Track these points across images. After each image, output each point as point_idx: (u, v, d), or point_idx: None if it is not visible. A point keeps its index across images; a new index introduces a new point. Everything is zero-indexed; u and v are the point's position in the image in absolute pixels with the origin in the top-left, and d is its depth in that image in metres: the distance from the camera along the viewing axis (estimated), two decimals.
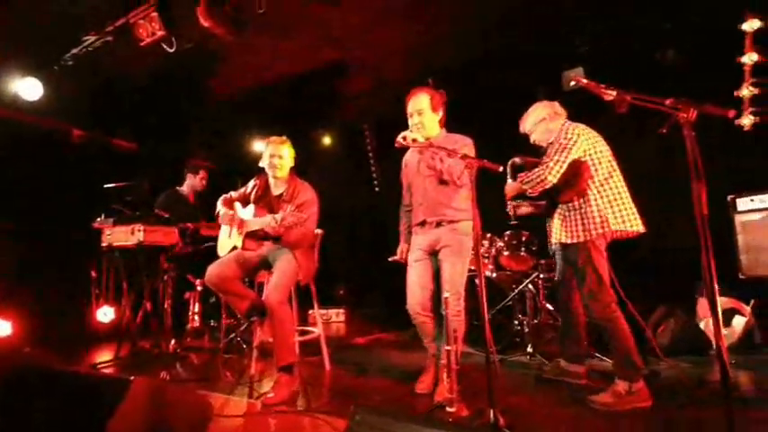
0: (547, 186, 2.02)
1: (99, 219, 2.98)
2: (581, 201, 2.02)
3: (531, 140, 2.27)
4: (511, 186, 2.22)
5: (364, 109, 4.84)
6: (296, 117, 4.73)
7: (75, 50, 3.03)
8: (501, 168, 1.66)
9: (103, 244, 2.93)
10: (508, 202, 2.27)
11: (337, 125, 5.34)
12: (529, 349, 2.74)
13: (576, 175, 2.00)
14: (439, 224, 2.14)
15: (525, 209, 2.31)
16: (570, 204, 2.05)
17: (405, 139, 2.05)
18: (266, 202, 2.58)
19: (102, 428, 1.29)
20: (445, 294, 1.87)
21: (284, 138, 2.58)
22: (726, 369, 1.15)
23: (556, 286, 2.41)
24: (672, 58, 3.12)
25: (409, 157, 2.35)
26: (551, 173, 1.98)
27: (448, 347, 1.81)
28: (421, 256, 2.20)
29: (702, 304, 2.78)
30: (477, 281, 1.78)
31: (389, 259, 2.44)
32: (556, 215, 2.11)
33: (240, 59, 3.72)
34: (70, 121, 3.11)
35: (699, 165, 1.21)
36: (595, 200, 2.00)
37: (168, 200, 3.50)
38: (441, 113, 2.22)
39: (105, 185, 3.09)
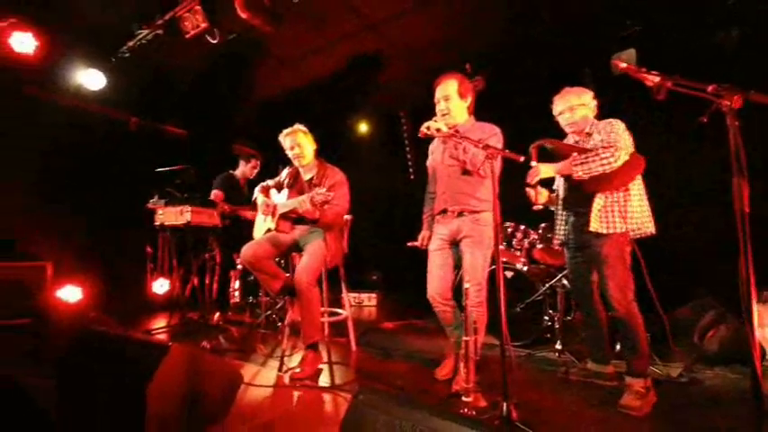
0: (610, 170, 1.90)
1: (152, 200, 3.25)
2: (625, 192, 1.96)
3: (564, 121, 2.15)
4: (546, 168, 2.02)
5: (401, 96, 4.82)
6: (334, 105, 4.80)
7: (129, 43, 3.28)
8: (522, 159, 1.60)
9: (156, 223, 3.20)
10: (531, 186, 2.07)
11: (374, 112, 5.35)
12: (558, 346, 2.65)
13: (632, 166, 1.94)
14: (460, 214, 2.12)
15: (545, 195, 2.18)
16: (611, 195, 1.97)
17: (428, 128, 2.02)
18: (298, 187, 2.68)
19: (143, 388, 1.44)
20: (466, 285, 1.86)
21: (296, 127, 2.62)
22: (758, 379, 1.06)
23: (572, 282, 2.30)
24: (736, 40, 2.77)
25: (435, 146, 2.33)
26: (620, 158, 1.88)
27: (467, 338, 1.81)
28: (441, 245, 2.19)
29: (760, 312, 2.53)
30: (500, 270, 1.75)
31: (408, 244, 2.45)
32: (594, 204, 1.99)
33: (280, 50, 3.83)
34: (127, 109, 3.40)
35: (742, 158, 1.10)
36: (637, 194, 1.98)
37: (225, 181, 3.74)
38: (469, 100, 2.16)
39: (157, 169, 3.36)
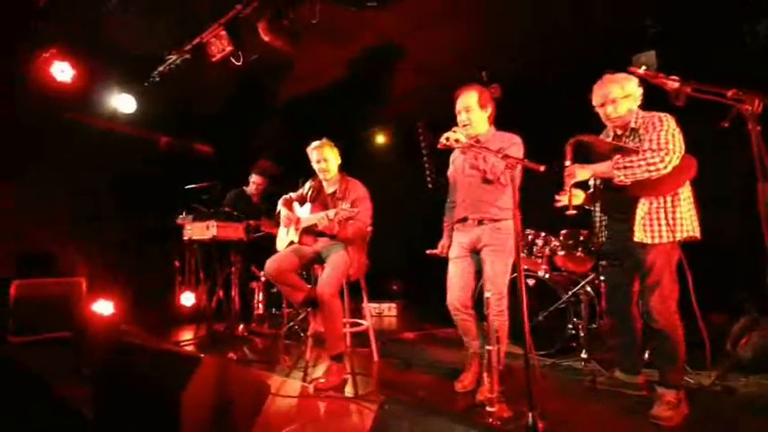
0: (657, 176, 1.72)
1: (181, 216, 3.37)
2: (674, 198, 1.79)
3: (605, 113, 1.92)
4: (583, 170, 1.84)
5: (419, 107, 4.87)
6: (353, 117, 4.89)
7: (160, 68, 3.46)
8: (543, 168, 1.60)
9: (185, 238, 3.31)
10: (565, 188, 1.84)
11: (392, 124, 5.42)
12: (583, 355, 2.60)
13: (682, 169, 1.75)
14: (480, 222, 2.13)
15: (581, 197, 2.03)
16: (657, 200, 1.79)
17: (447, 139, 2.05)
18: (321, 200, 2.73)
19: (178, 397, 1.50)
20: (487, 294, 1.86)
21: (324, 141, 2.66)
22: None
23: (608, 289, 2.21)
24: (763, 36, 2.70)
25: (456, 156, 2.36)
26: (670, 163, 1.69)
27: (489, 347, 1.80)
28: (461, 253, 2.20)
29: None
30: (521, 281, 1.74)
31: (427, 252, 2.45)
32: (637, 210, 1.81)
33: (301, 66, 3.95)
34: (158, 130, 3.57)
35: (766, 162, 1.08)
36: (686, 198, 1.82)
37: (234, 198, 3.85)
38: (489, 110, 2.19)
39: (186, 186, 3.49)
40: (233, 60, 3.08)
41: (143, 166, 4.06)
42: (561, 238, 3.04)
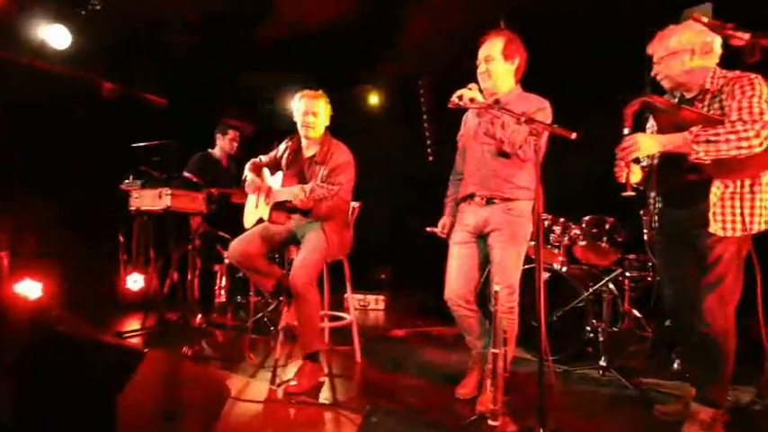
0: (748, 154, 1.60)
1: (127, 180, 3.24)
2: (753, 183, 1.70)
3: (655, 73, 1.85)
4: (650, 141, 1.72)
5: (420, 62, 4.73)
6: (341, 71, 4.73)
7: None
8: (574, 135, 1.52)
9: (131, 207, 3.18)
10: (623, 163, 1.74)
11: (388, 81, 5.28)
12: (602, 362, 2.60)
13: None
14: (490, 201, 2.08)
15: (638, 174, 1.92)
16: (734, 185, 1.70)
17: (461, 98, 1.95)
18: (298, 166, 2.64)
19: (114, 398, 1.44)
20: (495, 287, 1.82)
21: (320, 92, 2.60)
22: None
23: (668, 287, 2.04)
24: None
25: (469, 117, 2.29)
26: (767, 138, 1.57)
27: (495, 350, 1.77)
28: (465, 239, 2.15)
29: None
30: (539, 274, 1.69)
31: (427, 229, 2.42)
32: (710, 195, 1.72)
33: (282, 6, 3.77)
34: (99, 72, 3.36)
35: None
36: (767, 185, 1.72)
37: (199, 163, 3.71)
38: (517, 62, 2.10)
39: (134, 144, 3.34)
40: None
41: (80, 118, 3.86)
42: (583, 225, 3.01)
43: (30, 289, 3.19)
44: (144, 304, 3.57)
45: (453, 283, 2.15)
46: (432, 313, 4.12)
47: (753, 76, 1.66)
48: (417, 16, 3.96)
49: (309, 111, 2.53)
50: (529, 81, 2.19)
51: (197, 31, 4.01)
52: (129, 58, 3.92)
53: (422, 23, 4.05)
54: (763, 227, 1.72)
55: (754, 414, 2.07)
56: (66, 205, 3.79)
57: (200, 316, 3.44)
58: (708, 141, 1.60)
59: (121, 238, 3.91)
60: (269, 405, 2.09)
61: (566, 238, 3.05)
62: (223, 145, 3.83)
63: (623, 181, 1.73)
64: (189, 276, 3.28)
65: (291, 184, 2.50)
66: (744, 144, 1.57)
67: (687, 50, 1.75)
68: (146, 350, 1.56)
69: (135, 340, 3.09)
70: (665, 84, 1.86)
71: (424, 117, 5.29)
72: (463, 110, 2.19)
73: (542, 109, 2.01)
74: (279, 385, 2.30)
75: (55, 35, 3.50)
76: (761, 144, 1.57)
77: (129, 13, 3.49)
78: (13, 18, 3.34)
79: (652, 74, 1.87)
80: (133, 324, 3.42)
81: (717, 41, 1.73)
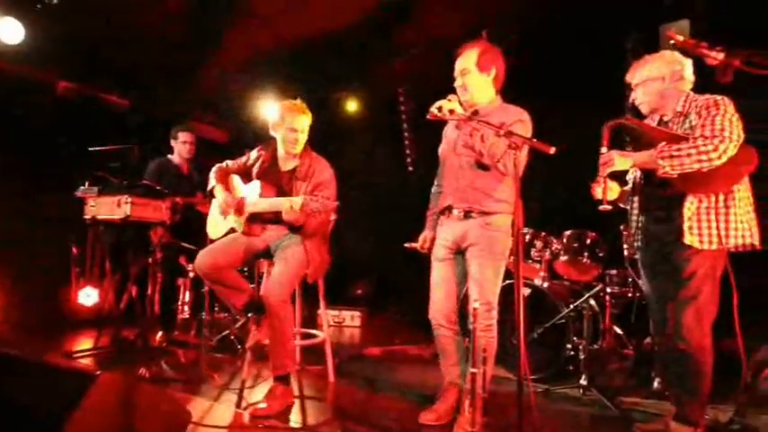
0: (709, 168, 1.72)
1: (82, 187, 3.14)
2: (727, 196, 1.82)
3: (631, 99, 2.06)
4: (622, 158, 1.88)
5: (401, 69, 4.79)
6: (317, 78, 4.74)
7: None
8: (553, 150, 1.57)
9: (86, 216, 3.10)
10: (600, 179, 1.88)
11: (366, 88, 5.31)
12: (583, 381, 2.65)
13: (739, 162, 1.77)
14: (468, 215, 2.10)
15: (616, 191, 2.05)
16: (708, 199, 1.82)
17: (440, 109, 1.98)
18: (274, 178, 2.60)
19: (60, 426, 1.37)
20: (474, 305, 1.83)
21: (303, 106, 2.56)
22: None
23: (653, 305, 2.13)
24: None
25: (449, 129, 2.32)
26: (726, 153, 1.70)
27: (474, 369, 1.78)
28: (446, 255, 2.18)
29: None
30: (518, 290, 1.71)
31: (406, 245, 2.44)
32: (684, 209, 1.84)
33: (257, 7, 3.76)
34: (55, 70, 3.27)
35: None
36: (743, 198, 1.84)
37: (156, 170, 3.64)
38: (493, 73, 2.13)
39: (90, 148, 3.25)
40: None
41: (31, 118, 3.73)
42: (564, 240, 3.08)
43: None
44: (98, 321, 3.44)
45: (437, 303, 2.17)
46: (410, 331, 4.11)
47: (719, 97, 1.83)
48: (404, 26, 4.02)
49: (296, 128, 2.50)
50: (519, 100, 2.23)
51: (163, 28, 3.95)
52: (89, 55, 3.83)
53: (408, 33, 4.12)
54: (739, 241, 1.82)
55: None
56: (13, 213, 3.65)
57: (160, 333, 3.34)
58: (672, 156, 1.77)
59: (74, 250, 3.77)
60: (234, 430, 2.04)
61: (547, 253, 3.11)
62: (179, 150, 3.77)
63: (599, 196, 1.87)
64: (149, 290, 3.19)
65: (270, 196, 2.47)
66: (704, 158, 1.72)
67: (659, 78, 1.95)
68: (98, 372, 1.50)
69: (86, 361, 2.97)
70: (643, 108, 2.04)
71: (404, 126, 5.33)
72: (443, 121, 2.23)
73: (522, 121, 2.04)
74: (245, 408, 2.25)
75: (6, 29, 3.39)
76: (719, 157, 1.71)
77: (90, 7, 3.40)
78: None
79: (630, 100, 2.06)
80: (85, 343, 3.29)
81: (687, 69, 1.94)
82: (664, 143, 1.81)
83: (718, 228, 1.81)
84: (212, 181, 2.68)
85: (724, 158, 1.72)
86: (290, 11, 3.86)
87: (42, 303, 3.74)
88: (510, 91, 2.22)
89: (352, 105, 5.52)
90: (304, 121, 2.53)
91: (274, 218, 2.48)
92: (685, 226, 1.83)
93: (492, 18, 3.66)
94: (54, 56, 3.61)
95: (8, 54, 3.42)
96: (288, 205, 2.23)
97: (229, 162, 2.73)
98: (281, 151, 2.60)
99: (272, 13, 3.90)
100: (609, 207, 1.88)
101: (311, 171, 2.53)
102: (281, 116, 2.53)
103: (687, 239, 1.82)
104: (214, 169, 2.71)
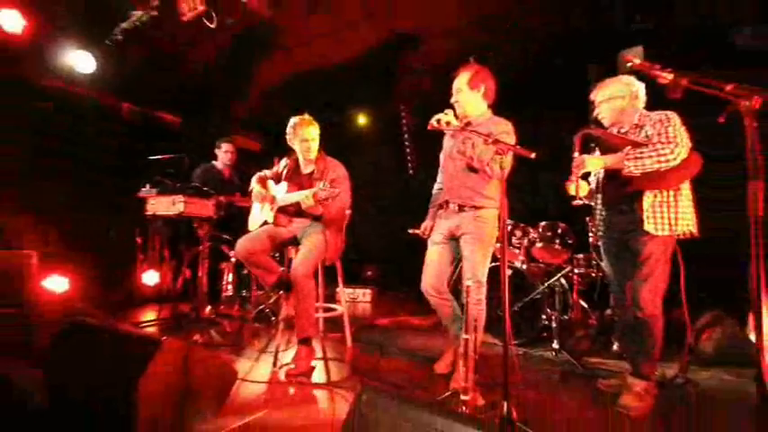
0: (666, 168, 1.77)
1: (144, 188, 3.17)
2: (676, 192, 1.86)
3: (595, 113, 2.07)
4: (593, 160, 1.92)
5: (404, 88, 4.77)
6: (335, 96, 4.74)
7: (123, 25, 3.16)
8: (533, 155, 1.57)
9: (147, 212, 3.12)
10: (573, 178, 1.90)
11: (374, 104, 5.30)
12: (555, 345, 2.66)
13: (687, 165, 1.81)
14: (461, 209, 2.11)
15: (586, 189, 2.07)
16: (661, 194, 1.86)
17: (438, 121, 1.99)
18: (297, 180, 2.63)
19: (135, 383, 1.41)
20: (467, 282, 1.84)
21: (310, 118, 2.57)
22: (763, 383, 1.05)
23: (615, 284, 2.14)
24: (749, 39, 2.76)
25: (446, 139, 2.33)
26: (679, 155, 1.75)
27: (466, 336, 1.79)
28: (440, 240, 2.19)
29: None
30: (504, 271, 1.72)
31: (409, 231, 2.46)
32: (642, 202, 1.87)
33: (283, 39, 3.75)
34: (121, 94, 3.28)
35: (759, 161, 1.08)
36: (688, 194, 1.89)
37: (201, 174, 3.66)
38: (482, 90, 2.12)
39: (150, 157, 3.27)
40: (206, 22, 2.86)
41: (103, 134, 3.76)
42: (540, 229, 3.08)
43: (57, 284, 3.08)
44: (158, 298, 3.50)
45: (427, 277, 2.19)
46: (411, 306, 4.14)
47: (669, 112, 1.87)
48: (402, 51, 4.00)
49: (306, 137, 2.52)
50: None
51: (208, 60, 3.96)
52: (148, 82, 3.85)
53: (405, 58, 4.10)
54: (685, 229, 1.86)
55: (676, 387, 2.15)
56: (90, 211, 3.68)
57: (209, 308, 3.37)
58: (636, 158, 1.80)
59: (139, 240, 3.82)
60: (272, 385, 2.08)
61: (525, 241, 3.11)
62: (222, 158, 3.79)
63: (572, 193, 1.89)
64: (199, 273, 3.23)
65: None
66: (662, 159, 1.77)
67: (619, 97, 1.97)
68: (162, 338, 1.52)
69: (151, 330, 3.03)
70: (605, 122, 2.05)
71: (405, 136, 5.33)
72: (441, 131, 2.23)
73: (507, 132, 2.04)
74: (280, 368, 2.29)
75: (81, 61, 3.41)
76: (675, 159, 1.77)
77: (147, 43, 3.41)
78: (45, 46, 3.23)
79: (594, 114, 2.07)
80: (149, 315, 3.34)
81: (641, 90, 1.98)
82: (629, 147, 1.83)
83: (669, 217, 1.84)
84: (253, 184, 2.72)
85: (678, 160, 1.77)
86: (307, 45, 3.87)
87: (114, 284, 3.80)
88: (499, 106, 2.23)
89: (362, 119, 5.52)
90: (312, 131, 2.54)
91: (297, 211, 2.51)
92: (644, 216, 1.86)
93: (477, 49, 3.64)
94: (120, 83, 3.62)
95: (83, 82, 3.45)
96: (304, 195, 2.31)
97: (266, 171, 2.77)
98: (300, 158, 2.63)
99: (294, 45, 3.90)
100: (581, 201, 1.92)
101: (326, 171, 2.55)
102: (293, 130, 2.55)
103: (645, 227, 1.85)
104: (255, 176, 2.75)
